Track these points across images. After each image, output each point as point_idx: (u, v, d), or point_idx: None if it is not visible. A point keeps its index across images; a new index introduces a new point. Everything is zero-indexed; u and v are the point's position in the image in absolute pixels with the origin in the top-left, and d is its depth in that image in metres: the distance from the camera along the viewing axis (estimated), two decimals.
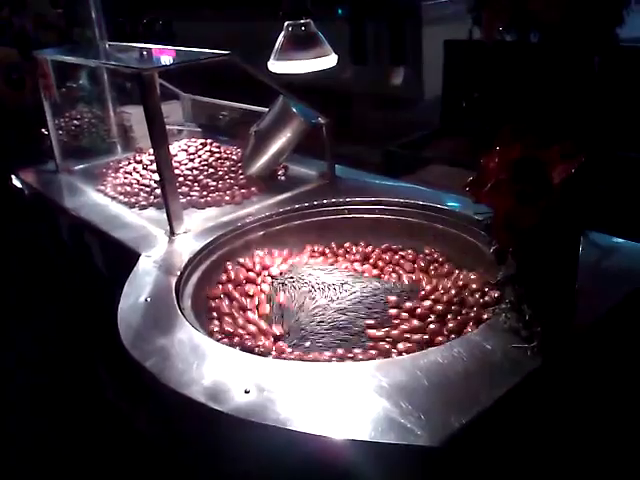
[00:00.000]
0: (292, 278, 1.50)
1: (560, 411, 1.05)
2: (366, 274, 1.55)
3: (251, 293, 1.46)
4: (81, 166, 2.35)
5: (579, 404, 1.08)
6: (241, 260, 1.61)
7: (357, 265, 1.60)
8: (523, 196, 0.95)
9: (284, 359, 1.22)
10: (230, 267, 1.57)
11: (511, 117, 0.99)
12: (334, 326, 1.31)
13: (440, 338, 1.23)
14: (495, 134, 1.04)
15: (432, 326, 1.27)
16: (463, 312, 1.30)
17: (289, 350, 1.26)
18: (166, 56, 1.83)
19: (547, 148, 0.96)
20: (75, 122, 2.63)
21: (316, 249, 1.70)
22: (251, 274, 1.55)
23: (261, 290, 1.50)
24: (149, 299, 1.36)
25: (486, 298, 1.31)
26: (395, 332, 1.27)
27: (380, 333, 1.27)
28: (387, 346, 1.23)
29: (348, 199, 1.78)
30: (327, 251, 1.69)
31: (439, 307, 1.32)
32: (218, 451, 1.11)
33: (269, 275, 1.55)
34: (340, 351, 1.24)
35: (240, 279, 1.53)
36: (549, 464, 1.05)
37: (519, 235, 1.01)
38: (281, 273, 1.55)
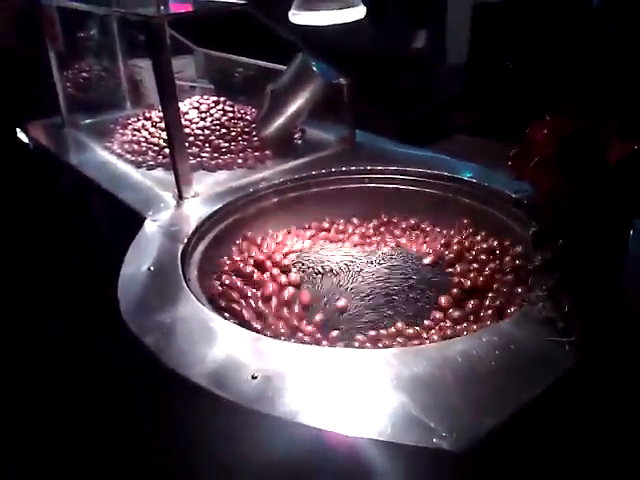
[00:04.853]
0: (308, 258, 1.38)
1: (602, 417, 0.95)
2: (387, 249, 1.45)
3: (265, 275, 1.35)
4: (88, 121, 2.24)
5: (624, 410, 0.98)
6: (253, 235, 1.51)
7: (377, 239, 1.50)
8: (575, 173, 0.83)
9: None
10: (242, 241, 1.48)
11: (566, 83, 0.87)
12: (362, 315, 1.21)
13: (472, 326, 1.13)
14: (542, 101, 0.92)
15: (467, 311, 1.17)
16: (493, 298, 1.19)
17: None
18: (179, 5, 1.70)
19: (605, 123, 0.84)
20: (84, 74, 2.51)
21: (332, 223, 1.60)
22: (265, 253, 1.44)
23: (273, 272, 1.38)
24: (152, 268, 1.27)
25: (516, 282, 1.20)
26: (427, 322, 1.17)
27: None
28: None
29: (369, 167, 1.66)
30: (344, 224, 1.58)
31: (471, 292, 1.21)
32: (218, 442, 1.03)
33: (285, 255, 1.43)
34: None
35: (253, 256, 1.42)
36: (588, 475, 0.96)
37: (565, 217, 0.90)
38: (298, 253, 1.43)
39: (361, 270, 1.31)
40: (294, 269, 1.36)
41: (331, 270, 1.32)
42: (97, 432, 1.72)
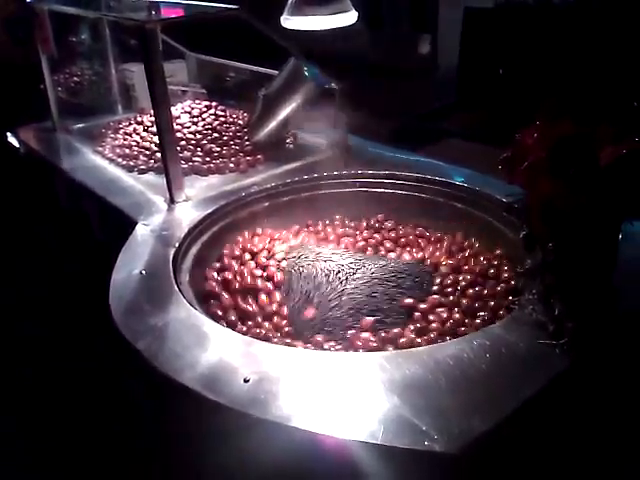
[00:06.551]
0: (300, 259, 1.38)
1: (594, 419, 0.96)
2: (376, 252, 1.45)
3: (257, 274, 1.35)
4: (80, 125, 2.24)
5: (616, 412, 0.99)
6: (244, 236, 1.51)
7: (368, 242, 1.50)
8: (566, 177, 0.84)
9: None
10: (232, 243, 1.48)
11: (557, 88, 0.88)
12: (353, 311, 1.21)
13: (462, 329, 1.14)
14: (533, 107, 0.93)
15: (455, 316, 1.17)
16: (483, 301, 1.20)
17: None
18: (171, 10, 1.70)
19: (596, 126, 0.84)
20: (75, 79, 2.51)
21: (323, 225, 1.60)
22: (255, 254, 1.44)
23: (267, 273, 1.38)
24: (144, 272, 1.26)
25: (507, 286, 1.21)
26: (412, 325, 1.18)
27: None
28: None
29: (360, 171, 1.67)
30: (336, 226, 1.59)
31: (457, 295, 1.22)
32: (211, 445, 1.03)
33: (274, 256, 1.43)
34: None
35: (243, 257, 1.42)
36: (577, 476, 0.97)
37: (556, 220, 0.91)
38: (288, 253, 1.43)
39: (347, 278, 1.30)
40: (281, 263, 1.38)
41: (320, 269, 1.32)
42: (94, 435, 1.71)
